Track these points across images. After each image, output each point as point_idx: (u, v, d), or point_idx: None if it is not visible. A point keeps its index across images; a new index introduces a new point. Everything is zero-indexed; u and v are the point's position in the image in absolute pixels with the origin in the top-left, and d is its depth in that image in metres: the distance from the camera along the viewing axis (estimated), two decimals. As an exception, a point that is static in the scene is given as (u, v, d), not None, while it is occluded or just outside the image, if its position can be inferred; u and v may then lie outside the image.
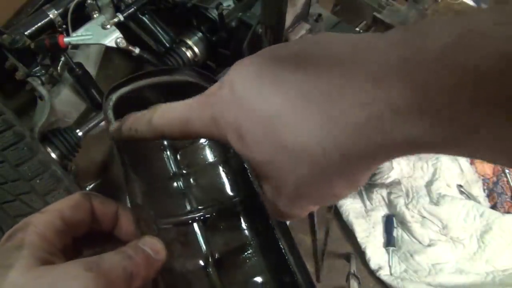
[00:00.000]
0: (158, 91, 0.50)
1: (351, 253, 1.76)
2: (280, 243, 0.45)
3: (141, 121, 0.36)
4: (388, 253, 1.74)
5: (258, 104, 0.26)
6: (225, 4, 1.39)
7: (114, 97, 0.47)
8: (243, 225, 0.53)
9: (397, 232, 1.79)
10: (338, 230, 1.84)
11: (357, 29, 1.50)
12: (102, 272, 0.29)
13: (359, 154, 0.24)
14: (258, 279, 0.50)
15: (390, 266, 1.71)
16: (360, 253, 1.77)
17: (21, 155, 1.06)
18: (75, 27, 1.23)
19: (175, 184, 0.54)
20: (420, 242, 1.75)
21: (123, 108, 0.46)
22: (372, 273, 1.73)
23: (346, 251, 1.79)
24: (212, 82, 0.50)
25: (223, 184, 0.55)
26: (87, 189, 1.26)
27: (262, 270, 0.50)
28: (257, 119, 0.26)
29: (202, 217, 0.52)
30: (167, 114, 0.34)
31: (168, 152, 0.55)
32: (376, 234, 1.79)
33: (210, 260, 0.50)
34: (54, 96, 1.27)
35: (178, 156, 0.56)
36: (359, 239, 1.77)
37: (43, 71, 1.23)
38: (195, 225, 0.52)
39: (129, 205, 0.41)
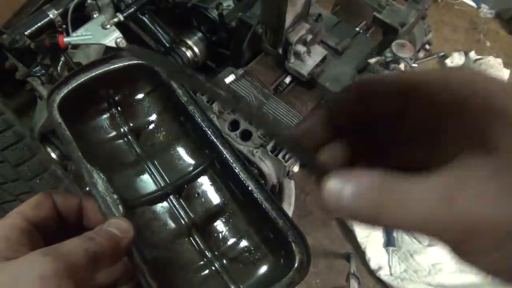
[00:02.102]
0: (102, 81, 0.50)
1: (351, 253, 1.76)
2: (254, 195, 0.46)
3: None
4: (388, 253, 1.74)
5: None
6: (225, 4, 1.39)
7: (57, 98, 0.46)
8: (216, 187, 0.54)
9: (397, 232, 1.79)
10: (338, 230, 1.84)
11: (357, 29, 1.50)
12: (60, 255, 0.30)
13: None
14: (244, 235, 0.51)
15: (390, 266, 1.71)
16: (360, 253, 1.77)
17: (21, 155, 1.06)
18: (75, 27, 1.23)
19: (141, 166, 0.55)
20: (420, 242, 1.75)
21: (68, 107, 0.46)
22: (372, 273, 1.73)
23: (346, 251, 1.79)
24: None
25: (188, 154, 0.56)
26: (87, 188, 1.26)
27: (245, 226, 0.51)
28: None
29: (175, 191, 0.53)
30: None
31: (130, 137, 0.56)
32: (376, 234, 1.79)
33: (192, 228, 0.51)
34: (54, 96, 1.27)
35: (140, 139, 0.57)
36: (359, 239, 1.77)
37: (43, 71, 1.23)
38: (171, 199, 0.53)
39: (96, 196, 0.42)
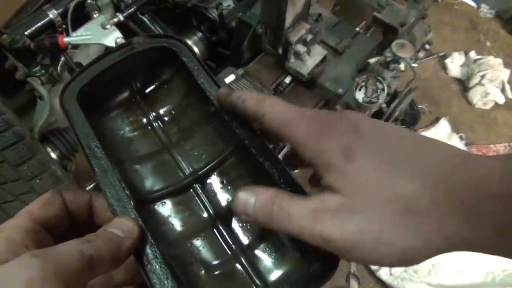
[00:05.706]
0: (124, 67, 0.48)
1: (351, 253, 1.76)
2: (281, 180, 0.42)
3: (251, 96, 0.40)
4: (388, 253, 1.74)
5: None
6: (225, 4, 1.39)
7: (74, 91, 0.44)
8: (240, 175, 0.50)
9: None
10: (338, 230, 1.84)
11: (357, 29, 1.50)
12: (49, 258, 0.29)
13: None
14: None
15: (390, 266, 1.72)
16: (360, 253, 1.77)
17: (21, 155, 1.05)
18: (75, 27, 1.23)
19: (164, 156, 0.52)
20: (420, 242, 1.75)
21: (85, 100, 0.44)
22: (372, 273, 1.73)
23: (346, 251, 1.79)
24: (170, 39, 0.49)
25: (211, 141, 0.52)
26: (87, 188, 1.26)
27: None
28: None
29: (199, 180, 0.50)
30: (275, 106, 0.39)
31: (155, 125, 0.53)
32: (376, 234, 1.78)
33: (217, 219, 0.48)
34: (53, 96, 1.27)
35: (165, 127, 0.54)
36: (359, 239, 1.77)
37: (43, 71, 1.23)
38: (194, 188, 0.50)
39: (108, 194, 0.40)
